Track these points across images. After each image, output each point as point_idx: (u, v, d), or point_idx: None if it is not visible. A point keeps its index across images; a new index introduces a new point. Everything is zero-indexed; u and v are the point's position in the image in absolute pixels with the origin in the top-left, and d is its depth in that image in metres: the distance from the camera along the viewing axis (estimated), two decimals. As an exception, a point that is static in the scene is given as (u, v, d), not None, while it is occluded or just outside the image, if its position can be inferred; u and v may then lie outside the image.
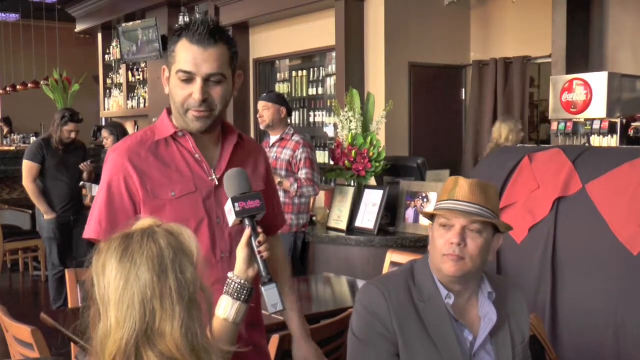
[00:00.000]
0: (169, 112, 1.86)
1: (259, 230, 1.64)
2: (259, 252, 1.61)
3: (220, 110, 1.80)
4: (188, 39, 1.74)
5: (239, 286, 1.60)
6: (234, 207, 1.61)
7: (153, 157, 1.80)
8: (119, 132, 6.02)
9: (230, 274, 1.63)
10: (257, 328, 1.93)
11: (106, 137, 6.08)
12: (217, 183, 1.81)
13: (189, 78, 1.74)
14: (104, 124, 11.22)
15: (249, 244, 1.62)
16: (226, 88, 1.79)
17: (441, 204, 1.84)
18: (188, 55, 1.73)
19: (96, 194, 1.85)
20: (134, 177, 1.76)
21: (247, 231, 1.62)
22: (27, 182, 5.35)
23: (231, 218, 1.64)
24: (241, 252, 1.62)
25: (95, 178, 5.60)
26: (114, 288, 1.21)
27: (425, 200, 4.11)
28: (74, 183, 5.57)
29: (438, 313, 1.82)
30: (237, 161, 1.86)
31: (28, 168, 5.35)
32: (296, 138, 4.31)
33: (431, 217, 1.89)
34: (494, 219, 1.82)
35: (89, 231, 1.78)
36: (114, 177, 1.78)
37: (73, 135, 5.43)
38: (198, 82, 1.73)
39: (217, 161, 1.85)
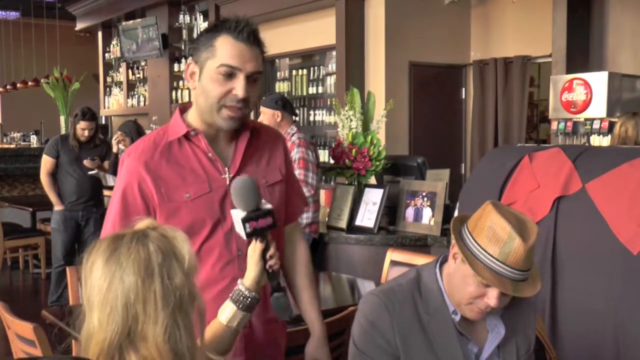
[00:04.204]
0: (182, 112, 1.84)
1: (270, 239, 1.60)
2: (270, 267, 1.59)
3: (250, 111, 1.80)
4: (232, 35, 1.74)
5: (248, 299, 1.58)
6: (245, 227, 1.57)
7: (166, 158, 1.77)
8: (134, 132, 5.86)
9: (239, 283, 1.61)
10: (278, 323, 1.90)
11: (122, 140, 5.86)
12: (229, 182, 1.78)
13: (231, 73, 1.72)
14: (103, 122, 11.22)
15: (262, 258, 1.59)
16: (259, 88, 1.80)
17: (487, 259, 1.64)
18: (234, 50, 1.72)
19: (111, 198, 1.83)
20: (148, 181, 1.74)
21: (259, 246, 1.59)
22: (42, 174, 5.65)
23: (239, 230, 1.60)
24: (253, 267, 1.59)
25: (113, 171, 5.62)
26: (97, 289, 1.20)
27: (426, 199, 4.11)
28: (85, 180, 5.60)
29: (443, 326, 1.76)
30: (251, 155, 1.84)
31: (43, 161, 5.65)
32: (294, 138, 4.22)
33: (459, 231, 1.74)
34: (535, 282, 1.71)
35: (103, 235, 1.77)
36: (128, 182, 1.76)
37: (86, 133, 5.55)
38: (241, 79, 1.72)
39: (231, 159, 1.82)
